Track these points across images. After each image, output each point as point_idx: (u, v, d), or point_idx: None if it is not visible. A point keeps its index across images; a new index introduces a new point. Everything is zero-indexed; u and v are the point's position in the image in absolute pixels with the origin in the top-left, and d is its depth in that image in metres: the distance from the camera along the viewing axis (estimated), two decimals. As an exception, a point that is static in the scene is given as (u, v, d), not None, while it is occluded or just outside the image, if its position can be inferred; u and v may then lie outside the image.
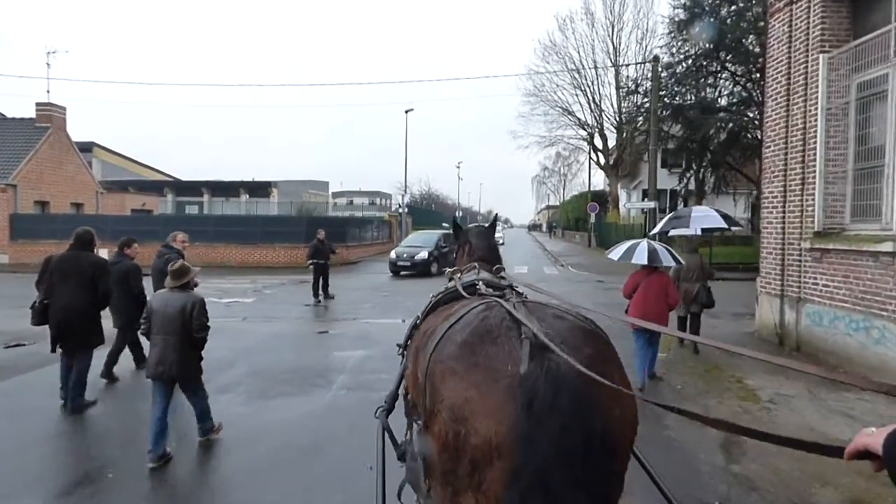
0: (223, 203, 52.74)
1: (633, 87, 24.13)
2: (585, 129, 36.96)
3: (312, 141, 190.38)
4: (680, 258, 6.67)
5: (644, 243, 6.34)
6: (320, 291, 13.97)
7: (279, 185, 63.31)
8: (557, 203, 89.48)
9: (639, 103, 24.29)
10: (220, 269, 20.83)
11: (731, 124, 22.43)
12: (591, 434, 1.39)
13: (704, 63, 23.74)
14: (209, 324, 4.60)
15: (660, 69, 21.76)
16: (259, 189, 56.93)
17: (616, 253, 6.68)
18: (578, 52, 34.94)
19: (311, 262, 13.97)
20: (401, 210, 26.67)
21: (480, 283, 2.52)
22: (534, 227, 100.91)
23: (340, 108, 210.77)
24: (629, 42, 33.48)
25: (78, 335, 5.54)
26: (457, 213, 64.45)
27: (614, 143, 36.52)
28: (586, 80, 35.28)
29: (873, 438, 1.08)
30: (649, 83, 23.32)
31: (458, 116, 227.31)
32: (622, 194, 38.79)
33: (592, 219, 35.04)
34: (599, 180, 41.93)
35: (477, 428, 1.50)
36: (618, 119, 34.99)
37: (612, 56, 33.82)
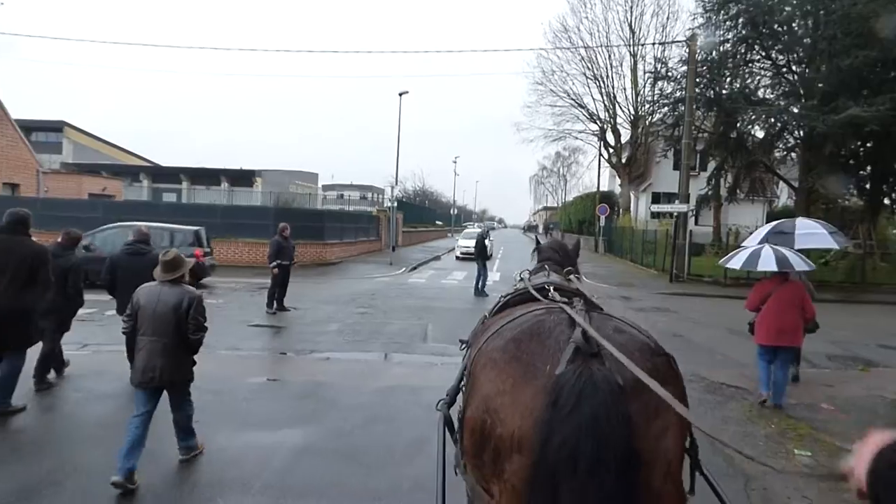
0: (203, 192, 49.47)
1: (663, 71, 20.85)
2: (597, 123, 33.79)
3: (305, 133, 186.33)
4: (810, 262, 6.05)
5: (768, 248, 5.83)
6: (274, 302, 10.71)
7: (264, 175, 59.97)
8: (555, 204, 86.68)
9: (668, 91, 21.10)
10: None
11: (773, 118, 19.31)
12: (604, 446, 1.35)
13: (743, 50, 20.62)
14: (207, 324, 4.14)
15: (697, 50, 18.56)
16: (242, 178, 53.68)
17: (736, 261, 6.16)
18: (592, 37, 31.77)
19: (275, 263, 10.67)
20: (389, 204, 22.92)
21: (550, 286, 2.40)
22: (530, 228, 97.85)
23: (335, 101, 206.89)
24: (649, 28, 30.29)
25: (10, 334, 4.94)
26: (452, 211, 61.11)
27: (627, 139, 33.35)
28: (600, 68, 32.10)
29: (857, 466, 1.07)
30: (684, 67, 20.13)
31: (455, 112, 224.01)
32: (631, 198, 35.67)
33: (602, 222, 31.87)
34: (603, 181, 38.94)
35: (503, 419, 1.54)
36: (633, 113, 31.81)
37: (629, 42, 30.66)
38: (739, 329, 9.82)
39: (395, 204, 28.04)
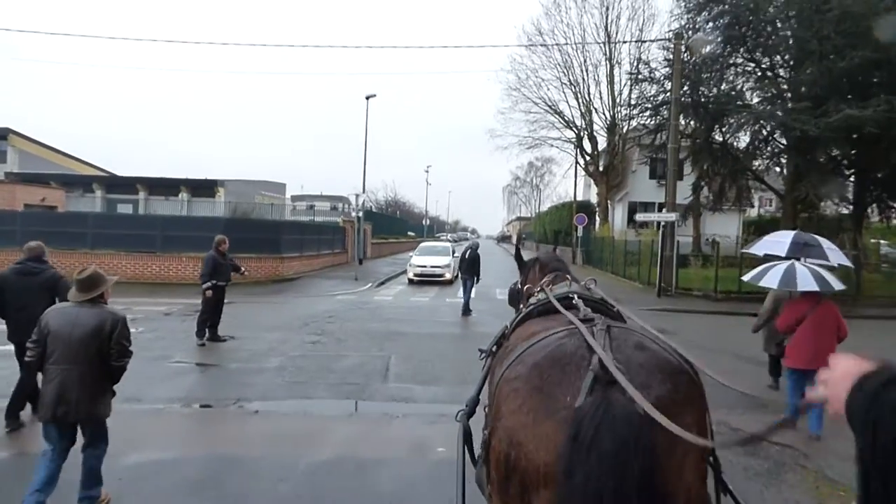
0: (162, 203, 46.91)
1: (645, 73, 19.67)
2: (573, 130, 32.66)
3: (275, 144, 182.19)
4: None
5: (802, 266, 5.52)
6: (206, 331, 8.87)
7: (226, 185, 57.45)
8: (529, 214, 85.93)
9: (651, 93, 19.91)
10: (103, 284, 15.26)
11: (763, 122, 18.27)
12: (628, 476, 1.33)
13: (726, 52, 19.62)
14: (132, 349, 3.76)
15: (683, 49, 17.43)
16: (203, 188, 51.00)
17: (771, 279, 5.59)
18: (567, 41, 30.70)
19: (209, 284, 8.83)
20: (356, 214, 20.78)
21: (575, 296, 2.30)
22: (503, 239, 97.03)
23: (305, 111, 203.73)
24: (625, 33, 29.36)
25: None
26: (424, 221, 59.45)
27: (605, 146, 32.32)
28: (575, 74, 31.04)
29: (830, 390, 1.04)
30: (666, 68, 18.98)
31: (428, 123, 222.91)
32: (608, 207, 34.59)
33: (580, 232, 30.61)
34: (579, 191, 37.75)
35: (527, 454, 1.53)
36: (610, 119, 30.78)
37: (605, 47, 29.68)
38: (747, 354, 8.58)
39: (363, 214, 26.27)
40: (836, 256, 6.97)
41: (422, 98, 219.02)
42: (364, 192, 25.11)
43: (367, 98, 26.44)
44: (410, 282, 19.49)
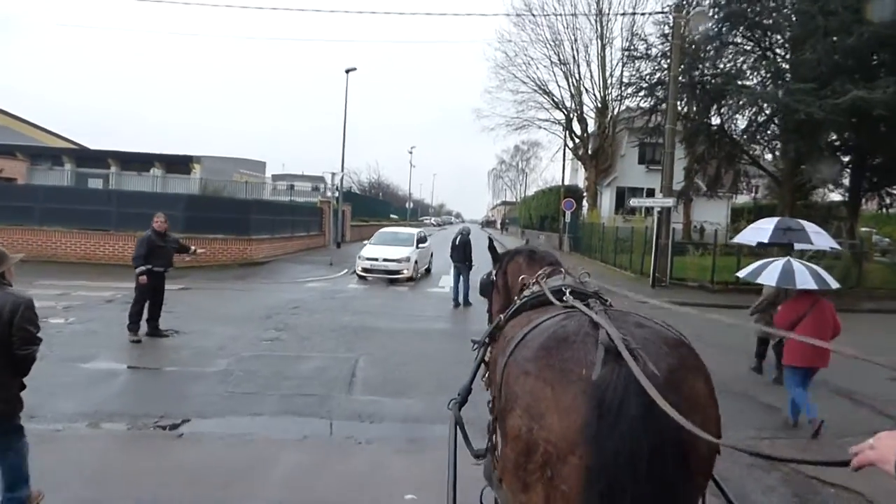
0: (134, 178, 44.91)
1: (642, 49, 18.48)
2: (563, 112, 31.45)
3: (260, 122, 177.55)
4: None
5: (797, 263, 5.54)
6: (142, 324, 7.64)
7: (203, 161, 55.41)
8: (514, 199, 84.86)
9: (647, 72, 18.76)
10: (50, 265, 13.79)
11: (765, 103, 17.28)
12: (659, 441, 1.40)
13: (725, 30, 18.51)
14: (40, 335, 3.35)
15: (682, 24, 16.27)
16: (178, 164, 48.89)
17: (768, 276, 5.60)
18: (557, 18, 29.35)
19: (143, 269, 7.55)
20: (331, 193, 19.11)
21: (566, 289, 2.29)
22: (488, 223, 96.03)
23: (290, 90, 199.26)
24: (618, 7, 28.09)
25: None
26: (407, 204, 58.05)
27: (594, 129, 31.20)
28: (566, 52, 29.75)
29: (877, 453, 1.15)
30: (663, 45, 17.82)
31: (414, 104, 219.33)
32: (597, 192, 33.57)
33: (567, 218, 29.57)
34: (556, 173, 36.50)
35: (549, 424, 1.54)
36: (601, 101, 29.63)
37: (597, 24, 28.43)
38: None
39: (341, 195, 24.91)
40: (823, 240, 7.04)
41: (407, 78, 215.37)
42: (343, 171, 23.74)
43: (347, 72, 24.94)
44: (360, 277, 15.44)
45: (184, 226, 15.55)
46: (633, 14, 22.54)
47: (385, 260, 15.13)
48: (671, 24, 16.98)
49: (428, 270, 17.92)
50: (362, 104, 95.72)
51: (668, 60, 17.55)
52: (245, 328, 8.68)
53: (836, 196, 27.36)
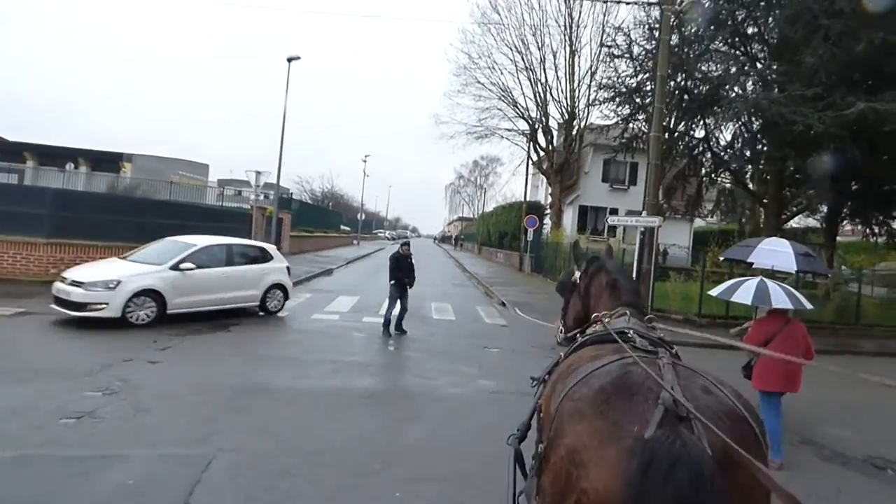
0: (54, 174, 40.23)
1: (624, 45, 16.26)
2: (528, 122, 29.25)
3: (214, 127, 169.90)
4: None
5: (771, 283, 5.43)
6: None
7: (135, 160, 50.85)
8: (472, 215, 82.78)
9: (629, 72, 16.56)
10: None
11: (752, 115, 15.36)
12: None
13: (710, 33, 16.64)
14: None
15: (672, 16, 14.15)
16: (106, 161, 44.33)
17: (743, 295, 5.43)
18: (522, 23, 27.29)
19: None
20: (254, 197, 15.72)
21: (631, 331, 2.29)
22: (444, 239, 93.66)
23: (243, 93, 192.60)
24: (589, 14, 26.28)
25: None
26: (359, 215, 54.77)
27: (560, 142, 29.15)
28: (531, 55, 27.66)
29: None
30: (644, 42, 15.71)
31: (373, 116, 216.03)
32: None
33: (530, 236, 27.24)
34: (517, 189, 34.27)
35: (589, 475, 1.53)
36: (568, 110, 27.60)
37: (566, 27, 26.49)
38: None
39: (276, 197, 21.69)
40: (771, 259, 6.64)
41: (364, 87, 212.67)
42: (280, 169, 20.49)
43: (290, 60, 21.88)
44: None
45: (50, 229, 12.12)
46: (608, 1, 20.32)
47: (73, 284, 8.61)
48: (657, 19, 14.86)
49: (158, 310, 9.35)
50: (321, 112, 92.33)
51: (651, 62, 15.50)
52: (54, 388, 5.51)
53: (811, 221, 26.38)
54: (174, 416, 5.09)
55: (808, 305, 5.60)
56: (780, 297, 5.29)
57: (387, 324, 9.96)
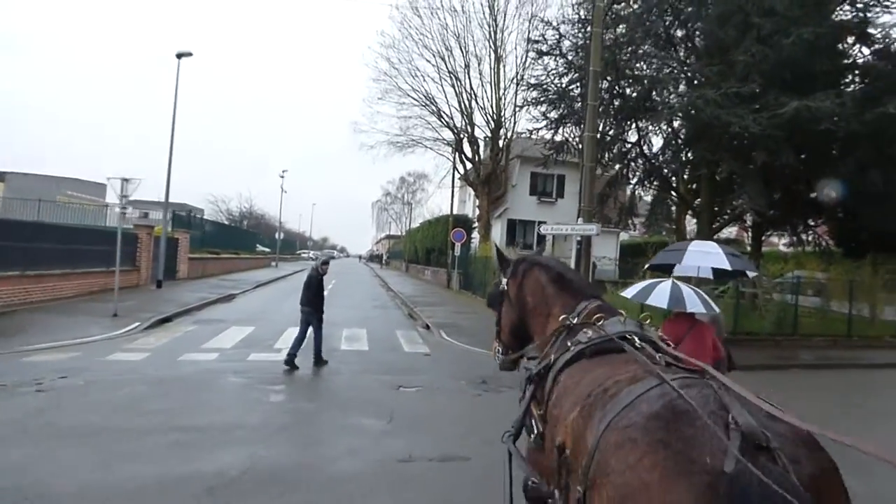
0: None
1: (553, 40, 14.97)
2: (452, 131, 27.82)
3: (111, 143, 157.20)
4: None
5: (684, 286, 5.05)
6: None
7: (8, 178, 45.10)
8: (399, 232, 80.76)
9: (560, 71, 15.37)
10: None
11: (683, 117, 14.56)
12: None
13: (639, 36, 15.84)
14: None
15: (604, 9, 13.04)
16: (-32, 180, 38.86)
17: (659, 297, 4.84)
18: (446, 28, 26.00)
19: None
20: (121, 210, 12.59)
21: (636, 337, 1.98)
22: (373, 258, 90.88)
23: (149, 109, 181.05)
24: (514, 19, 25.43)
25: None
26: (277, 234, 51.24)
27: (487, 153, 27.94)
28: (455, 60, 26.40)
29: None
30: (574, 34, 14.57)
31: (294, 136, 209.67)
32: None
33: (457, 251, 25.63)
34: (444, 203, 32.96)
35: None
36: (494, 119, 26.45)
37: (491, 33, 25.47)
38: None
39: (165, 214, 18.77)
40: (706, 260, 6.04)
41: (290, 109, 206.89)
42: (170, 178, 17.62)
43: (179, 57, 19.18)
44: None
45: None
46: None
47: None
48: (588, 11, 13.76)
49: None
50: (236, 129, 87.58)
51: (583, 59, 14.38)
52: None
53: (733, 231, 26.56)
54: None
55: (718, 309, 5.49)
56: (693, 302, 5.06)
57: (290, 360, 8.21)
